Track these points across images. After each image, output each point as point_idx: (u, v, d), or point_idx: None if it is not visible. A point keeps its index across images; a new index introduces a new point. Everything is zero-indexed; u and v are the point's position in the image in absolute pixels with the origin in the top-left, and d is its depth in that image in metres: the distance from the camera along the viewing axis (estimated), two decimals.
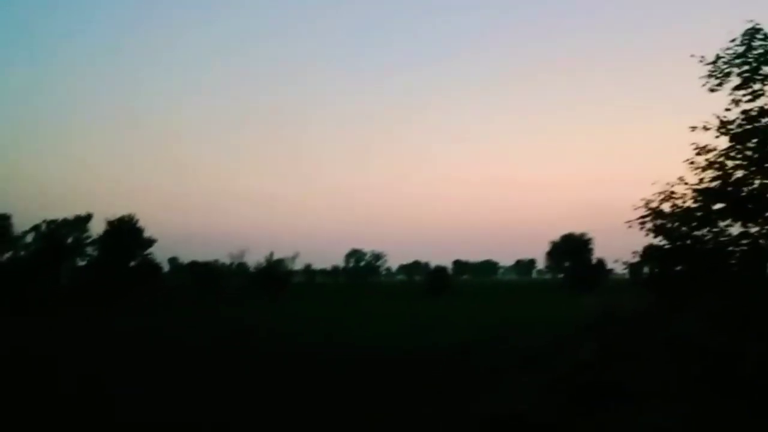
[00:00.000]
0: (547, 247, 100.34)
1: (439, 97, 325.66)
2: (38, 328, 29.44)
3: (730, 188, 17.94)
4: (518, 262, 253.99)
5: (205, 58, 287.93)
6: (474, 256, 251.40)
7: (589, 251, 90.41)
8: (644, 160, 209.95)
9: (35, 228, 69.64)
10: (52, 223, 70.48)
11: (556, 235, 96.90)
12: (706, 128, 18.01)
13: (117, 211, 70.86)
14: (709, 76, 18.04)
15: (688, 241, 18.87)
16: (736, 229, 18.38)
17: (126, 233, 68.29)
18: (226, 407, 11.48)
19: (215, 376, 15.17)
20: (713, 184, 18.32)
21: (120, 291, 57.36)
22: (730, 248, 18.37)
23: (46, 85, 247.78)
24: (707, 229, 18.62)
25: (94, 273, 64.41)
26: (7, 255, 65.54)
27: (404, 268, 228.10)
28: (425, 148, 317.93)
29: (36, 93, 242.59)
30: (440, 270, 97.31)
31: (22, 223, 69.89)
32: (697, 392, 10.62)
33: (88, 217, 71.40)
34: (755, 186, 17.93)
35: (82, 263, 70.19)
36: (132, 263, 69.07)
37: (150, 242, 70.21)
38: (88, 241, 70.98)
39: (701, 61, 18.03)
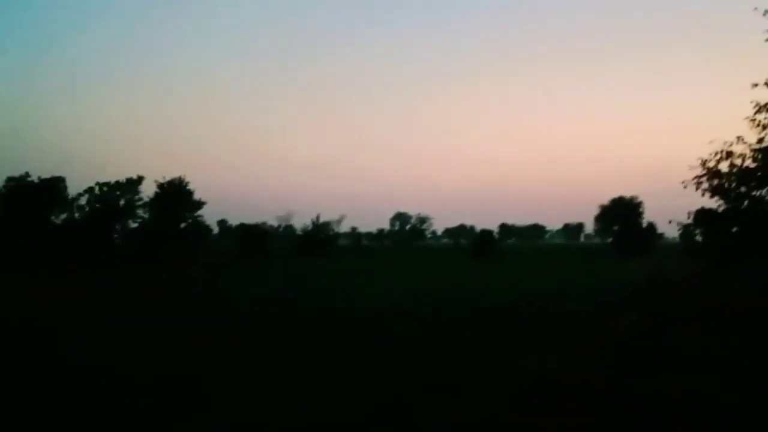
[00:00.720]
0: (595, 211, 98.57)
1: (483, 57, 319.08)
2: (84, 286, 30.42)
3: None
4: (566, 226, 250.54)
5: (251, 21, 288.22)
6: (521, 219, 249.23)
7: (640, 215, 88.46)
8: (702, 118, 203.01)
9: (89, 190, 71.89)
10: (104, 186, 72.59)
11: (605, 199, 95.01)
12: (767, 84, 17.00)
13: (168, 174, 72.51)
14: None
15: (746, 202, 18.03)
16: None
17: (176, 195, 69.85)
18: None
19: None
20: None
21: (170, 251, 58.86)
22: None
23: (95, 51, 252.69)
24: (767, 189, 17.74)
25: (146, 234, 66.28)
26: (63, 216, 67.85)
27: (449, 232, 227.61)
28: (472, 108, 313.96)
29: (86, 58, 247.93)
30: (486, 233, 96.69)
31: (76, 185, 72.22)
32: (748, 361, 10.15)
33: (139, 180, 73.20)
34: None
35: (134, 225, 72.29)
36: (182, 225, 70.85)
37: (199, 204, 71.71)
38: (140, 203, 73.04)
39: (765, 14, 16.91)
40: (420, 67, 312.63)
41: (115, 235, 69.36)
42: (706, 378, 8.44)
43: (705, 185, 18.72)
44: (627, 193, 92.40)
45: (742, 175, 17.94)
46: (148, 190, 71.87)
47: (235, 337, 14.88)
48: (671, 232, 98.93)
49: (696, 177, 18.87)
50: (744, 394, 7.90)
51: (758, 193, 17.86)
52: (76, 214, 68.82)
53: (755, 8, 16.96)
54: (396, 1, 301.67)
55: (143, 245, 60.60)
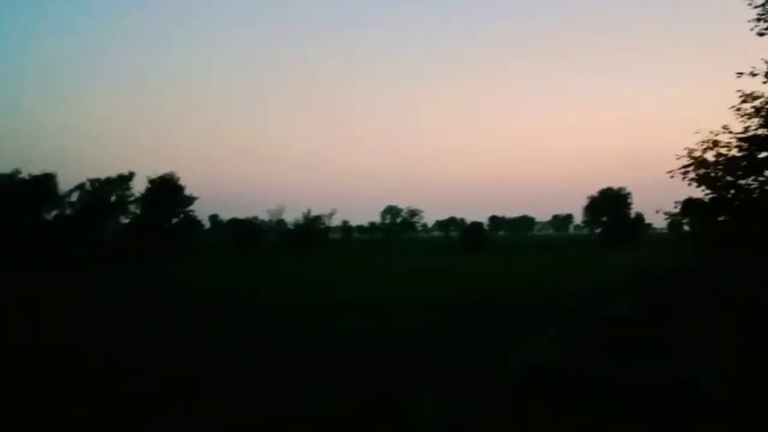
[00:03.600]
0: (584, 202, 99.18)
1: (473, 51, 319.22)
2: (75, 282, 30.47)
3: None
4: (555, 217, 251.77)
5: (241, 17, 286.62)
6: (511, 211, 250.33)
7: (628, 205, 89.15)
8: (689, 108, 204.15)
9: (79, 187, 71.72)
10: (95, 182, 72.51)
11: (594, 190, 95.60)
12: (753, 74, 17.25)
13: (159, 170, 72.44)
14: (758, 19, 17.19)
15: (733, 191, 18.32)
16: None
17: (167, 191, 69.70)
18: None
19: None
20: (760, 131, 17.62)
21: (161, 246, 58.75)
22: None
23: (84, 48, 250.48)
24: (753, 178, 18.01)
25: (137, 230, 66.18)
26: (54, 213, 67.57)
27: (440, 224, 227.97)
28: (461, 102, 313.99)
29: (75, 55, 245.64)
30: (476, 225, 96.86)
31: (67, 182, 71.92)
32: (739, 348, 10.42)
33: (130, 176, 73.36)
34: None
35: (125, 221, 72.26)
36: (174, 220, 70.75)
37: (191, 200, 71.63)
38: (131, 199, 73.05)
39: (750, 4, 17.17)
40: (410, 64, 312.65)
41: (107, 231, 69.25)
42: (697, 367, 8.65)
43: (691, 175, 18.99)
44: (615, 184, 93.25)
45: (728, 164, 18.22)
46: (139, 186, 71.86)
47: (209, 333, 14.93)
48: (659, 222, 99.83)
49: (683, 167, 19.14)
50: (735, 383, 8.14)
51: (744, 182, 18.14)
52: (68, 211, 68.60)
53: None
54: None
55: (135, 241, 60.48)
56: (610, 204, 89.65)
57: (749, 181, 18.01)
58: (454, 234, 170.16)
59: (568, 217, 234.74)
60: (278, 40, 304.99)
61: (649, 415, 7.20)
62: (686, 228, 28.35)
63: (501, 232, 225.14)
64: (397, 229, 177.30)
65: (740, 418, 7.10)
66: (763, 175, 17.82)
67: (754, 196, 17.80)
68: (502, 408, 7.88)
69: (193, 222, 74.73)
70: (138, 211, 71.19)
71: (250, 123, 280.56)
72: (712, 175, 18.33)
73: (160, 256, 53.88)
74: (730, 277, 18.62)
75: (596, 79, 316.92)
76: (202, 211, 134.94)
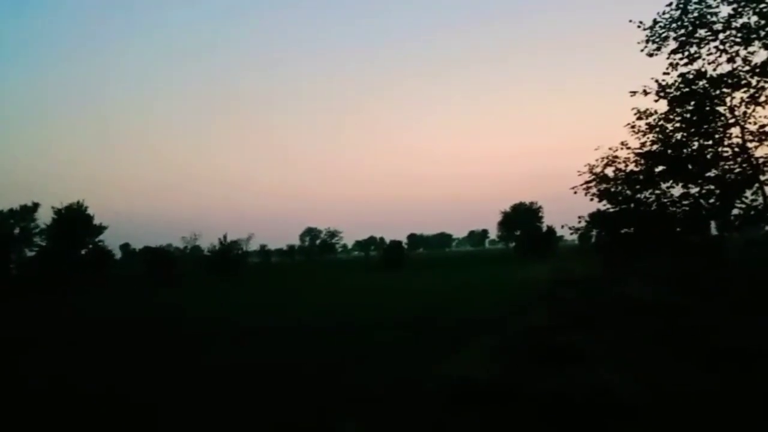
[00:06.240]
0: (499, 217, 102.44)
1: (390, 76, 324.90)
2: None
3: (670, 150, 18.63)
4: (471, 233, 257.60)
5: (154, 40, 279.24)
6: (428, 229, 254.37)
7: (539, 219, 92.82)
8: (590, 128, 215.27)
9: None
10: None
11: (507, 205, 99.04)
12: (645, 93, 18.56)
13: (68, 199, 69.72)
14: (648, 41, 18.55)
15: (632, 204, 19.57)
16: (677, 191, 19.17)
17: (74, 221, 66.90)
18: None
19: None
20: (654, 147, 18.96)
21: (68, 279, 56.10)
22: (672, 209, 19.14)
23: None
24: (650, 191, 19.30)
25: (43, 262, 62.97)
26: None
27: (360, 245, 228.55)
28: (377, 125, 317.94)
29: None
30: (396, 244, 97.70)
31: None
32: (648, 351, 11.07)
33: (34, 207, 70.29)
34: (694, 147, 18.67)
35: (31, 253, 68.84)
36: (82, 251, 67.82)
37: (100, 229, 69.12)
38: (36, 230, 69.85)
39: (640, 26, 18.52)
40: (327, 86, 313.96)
41: (11, 265, 65.50)
42: (610, 371, 9.16)
43: (593, 190, 20.14)
44: (527, 200, 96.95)
45: (626, 178, 19.45)
46: (45, 217, 68.85)
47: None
48: (568, 233, 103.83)
49: (585, 183, 20.29)
50: (645, 382, 8.69)
51: (642, 195, 19.37)
52: None
53: (630, 20, 18.58)
54: (311, 21, 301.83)
55: (42, 274, 57.49)
56: (522, 218, 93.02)
57: (647, 194, 19.26)
58: (374, 253, 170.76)
59: (484, 233, 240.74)
60: (186, 60, 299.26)
61: (566, 419, 7.58)
62: (594, 239, 29.86)
63: (420, 250, 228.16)
64: (317, 250, 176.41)
65: (650, 415, 7.52)
66: (659, 188, 19.11)
67: (652, 208, 19.05)
68: (432, 423, 8.01)
69: (103, 252, 71.77)
70: (44, 243, 67.84)
71: (163, 148, 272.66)
72: (612, 189, 19.51)
73: (66, 288, 51.29)
74: (637, 284, 19.78)
75: (505, 103, 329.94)
76: (113, 240, 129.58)
